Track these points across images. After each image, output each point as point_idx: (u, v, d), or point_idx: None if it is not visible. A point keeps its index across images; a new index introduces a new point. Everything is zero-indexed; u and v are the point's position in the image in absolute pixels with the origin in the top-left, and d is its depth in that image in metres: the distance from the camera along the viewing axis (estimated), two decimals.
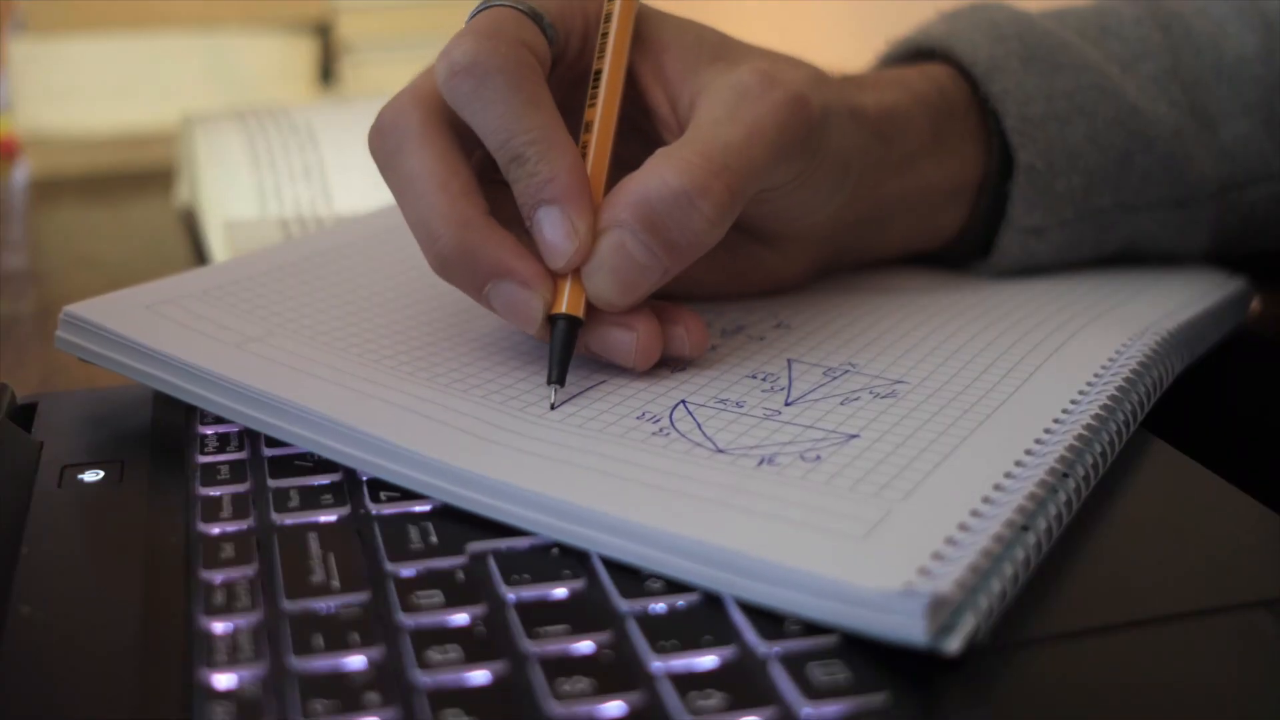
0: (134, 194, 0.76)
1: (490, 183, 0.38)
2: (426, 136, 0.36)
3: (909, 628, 0.26)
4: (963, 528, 0.29)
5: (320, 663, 0.27)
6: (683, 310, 0.38)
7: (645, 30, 0.40)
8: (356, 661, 0.27)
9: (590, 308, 0.36)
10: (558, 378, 0.36)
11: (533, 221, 0.36)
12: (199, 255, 0.62)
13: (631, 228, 0.35)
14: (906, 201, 0.45)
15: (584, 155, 0.37)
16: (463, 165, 0.36)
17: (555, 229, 0.35)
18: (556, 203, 0.35)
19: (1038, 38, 0.47)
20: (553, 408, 0.36)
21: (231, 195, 0.59)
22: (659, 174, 0.35)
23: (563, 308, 0.36)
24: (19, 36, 0.78)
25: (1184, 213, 0.48)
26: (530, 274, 0.35)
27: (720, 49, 0.40)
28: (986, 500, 0.31)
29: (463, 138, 0.37)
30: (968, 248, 0.48)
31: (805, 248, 0.44)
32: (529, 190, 0.35)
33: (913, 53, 0.49)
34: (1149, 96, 0.47)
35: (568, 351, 0.36)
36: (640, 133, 0.40)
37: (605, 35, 0.39)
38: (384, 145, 0.37)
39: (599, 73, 0.39)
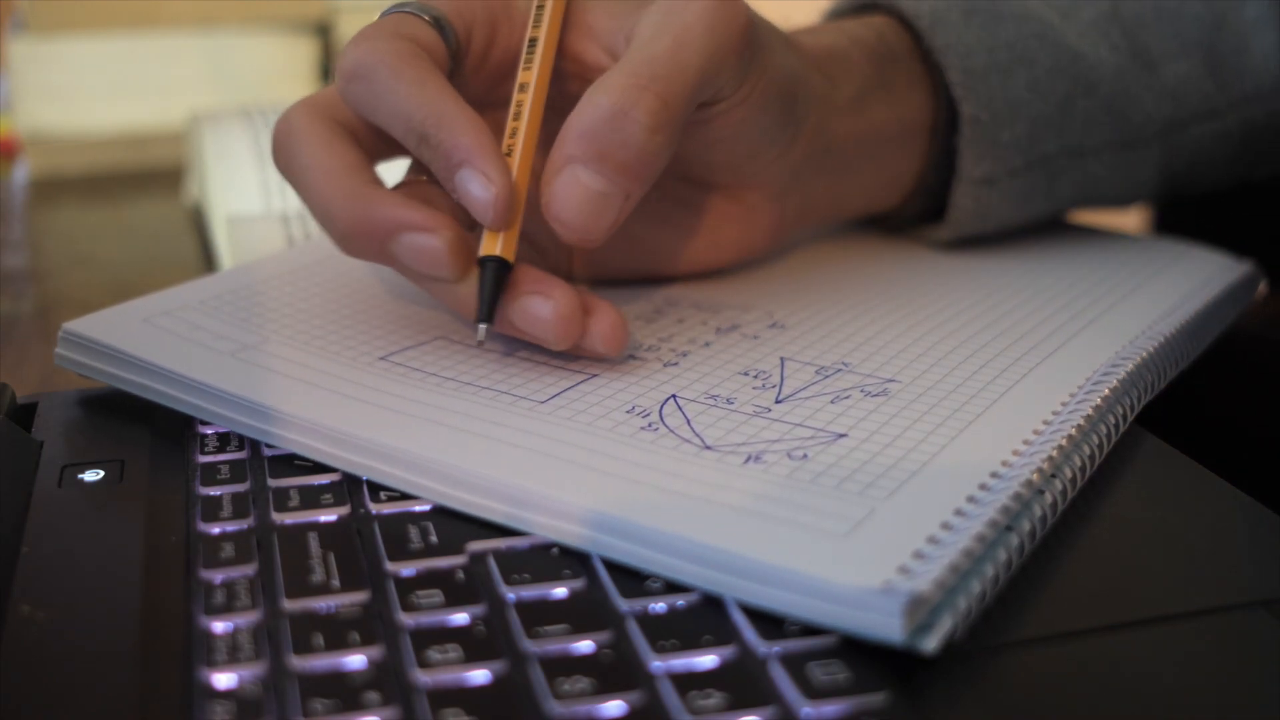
0: (134, 194, 0.76)
1: (417, 179, 0.39)
2: (311, 132, 0.38)
3: (886, 626, 0.26)
4: (946, 527, 0.29)
5: (320, 662, 0.27)
6: (610, 309, 0.38)
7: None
8: (356, 661, 0.27)
9: (511, 278, 0.37)
10: (485, 315, 0.36)
11: (455, 189, 0.37)
12: (206, 252, 0.62)
13: (582, 160, 0.36)
14: (862, 146, 0.46)
15: (519, 114, 0.38)
16: (348, 149, 0.38)
17: (472, 185, 0.36)
18: (465, 164, 0.36)
19: None
20: (479, 344, 0.38)
21: (236, 192, 0.60)
22: (592, 101, 0.36)
23: (496, 250, 0.36)
24: (19, 36, 0.78)
25: (1130, 154, 0.49)
26: (423, 219, 0.36)
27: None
28: (971, 500, 0.31)
29: (360, 134, 0.39)
30: (924, 209, 0.49)
31: (767, 199, 0.44)
32: (440, 162, 0.37)
33: (856, 7, 0.50)
34: (1090, 41, 0.48)
35: (496, 291, 0.36)
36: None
37: (541, 7, 0.40)
38: (278, 153, 0.39)
39: (534, 40, 0.40)
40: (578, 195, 0.36)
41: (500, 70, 0.41)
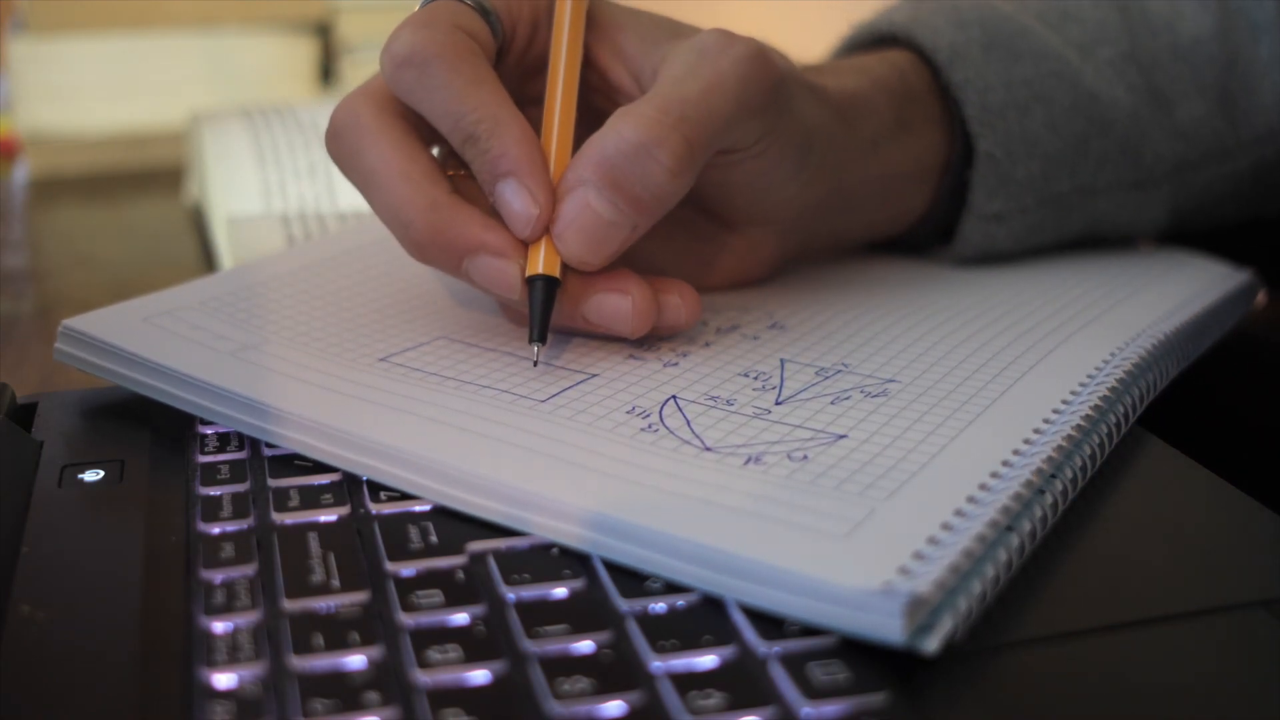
0: (134, 194, 0.76)
1: (457, 174, 0.39)
2: (381, 130, 0.37)
3: (886, 627, 0.26)
4: (946, 527, 0.29)
5: (320, 662, 0.27)
6: (675, 280, 0.39)
7: (599, 16, 0.41)
8: (356, 661, 0.27)
9: (581, 278, 0.38)
10: (539, 335, 0.37)
11: (494, 196, 0.37)
12: (206, 252, 0.62)
13: (595, 185, 0.36)
14: (872, 187, 0.46)
15: (550, 124, 0.38)
16: (421, 151, 0.38)
17: (515, 199, 0.36)
18: (512, 175, 0.36)
19: (998, 24, 0.47)
20: (535, 364, 0.38)
21: (237, 192, 0.60)
22: (616, 130, 0.36)
23: (539, 269, 0.37)
24: (19, 36, 0.78)
25: (1141, 194, 0.49)
26: (502, 243, 0.36)
27: (678, 28, 0.41)
28: (971, 500, 0.31)
29: (419, 129, 0.38)
30: (930, 232, 0.49)
31: (771, 235, 0.44)
32: (485, 167, 0.37)
33: (874, 38, 0.50)
34: (1106, 81, 0.48)
35: (547, 309, 0.37)
36: (605, 113, 0.40)
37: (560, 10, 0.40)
38: (340, 146, 0.38)
39: (557, 51, 0.40)
40: (585, 219, 0.36)
41: (535, 67, 0.41)
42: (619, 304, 0.38)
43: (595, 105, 0.41)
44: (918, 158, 0.46)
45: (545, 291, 0.37)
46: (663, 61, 0.39)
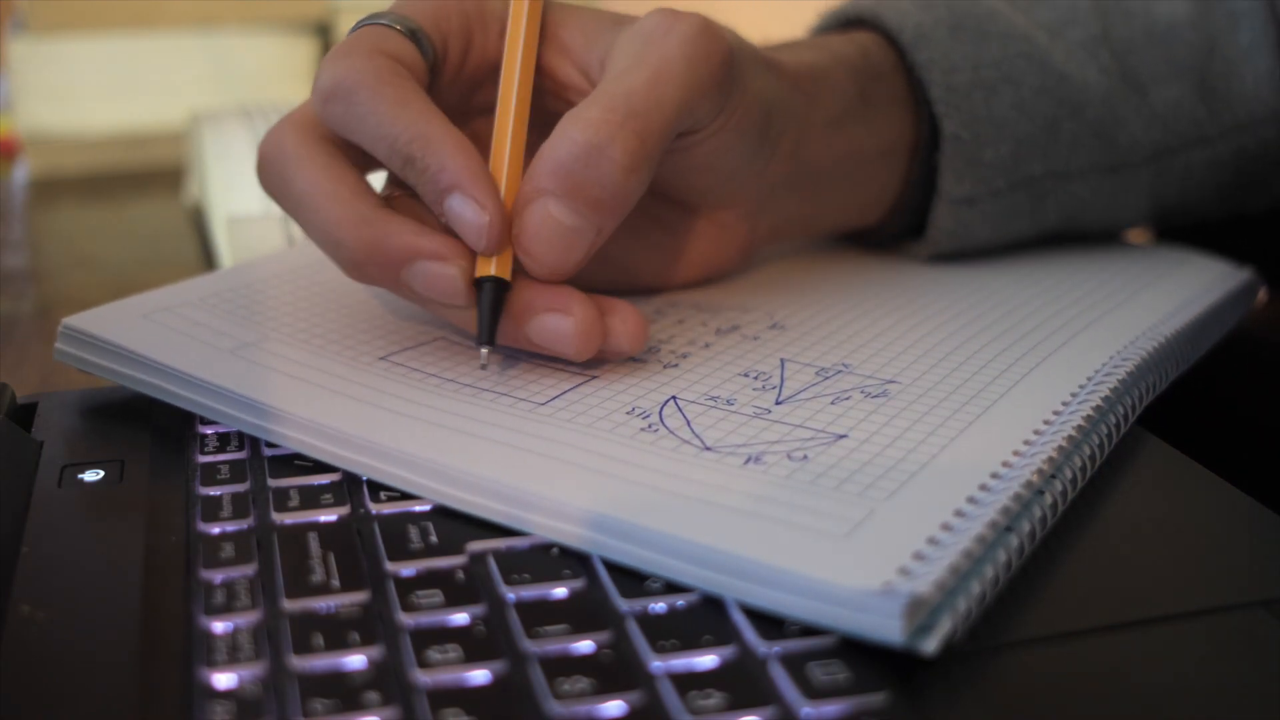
0: (134, 194, 0.76)
1: (395, 194, 0.38)
2: (306, 154, 0.37)
3: (886, 627, 0.26)
4: (945, 528, 0.29)
5: (320, 662, 0.27)
6: (622, 302, 0.38)
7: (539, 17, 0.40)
8: (356, 661, 0.27)
9: (524, 298, 0.36)
10: (487, 338, 0.36)
11: (444, 213, 0.36)
12: (206, 253, 0.62)
13: (554, 194, 0.35)
14: (839, 165, 0.45)
15: (502, 130, 0.38)
16: (348, 171, 0.37)
17: (464, 210, 0.35)
18: (456, 188, 0.35)
19: (966, 5, 0.47)
20: (483, 368, 0.37)
21: (237, 192, 0.60)
22: (566, 135, 0.35)
23: (490, 270, 0.36)
24: (19, 36, 0.78)
25: (1117, 179, 0.48)
26: (439, 247, 0.35)
27: (620, 18, 0.40)
28: (971, 501, 0.31)
29: (348, 152, 0.38)
30: (904, 226, 0.48)
31: (740, 218, 0.44)
32: (427, 184, 0.36)
33: (841, 22, 0.50)
34: (1077, 63, 0.47)
35: (496, 312, 0.36)
36: (558, 115, 0.39)
37: (516, 16, 0.40)
38: (269, 177, 0.38)
39: (511, 52, 0.39)
40: (549, 229, 0.35)
41: (476, 78, 0.40)
42: (560, 325, 0.36)
43: (548, 107, 0.40)
44: (883, 137, 0.46)
45: (494, 294, 0.36)
46: (609, 52, 0.38)
